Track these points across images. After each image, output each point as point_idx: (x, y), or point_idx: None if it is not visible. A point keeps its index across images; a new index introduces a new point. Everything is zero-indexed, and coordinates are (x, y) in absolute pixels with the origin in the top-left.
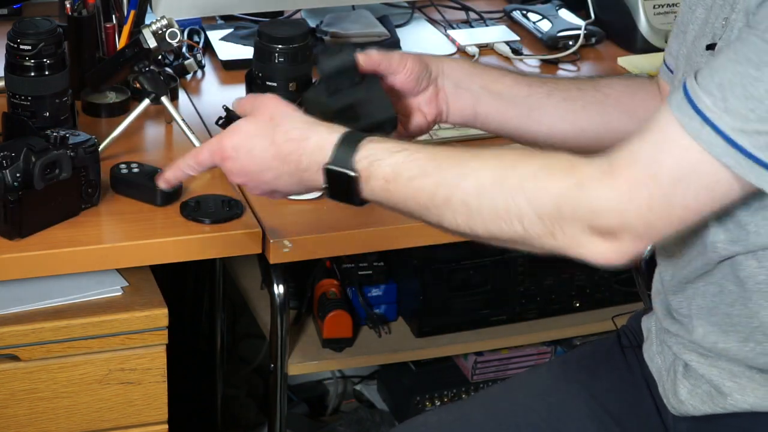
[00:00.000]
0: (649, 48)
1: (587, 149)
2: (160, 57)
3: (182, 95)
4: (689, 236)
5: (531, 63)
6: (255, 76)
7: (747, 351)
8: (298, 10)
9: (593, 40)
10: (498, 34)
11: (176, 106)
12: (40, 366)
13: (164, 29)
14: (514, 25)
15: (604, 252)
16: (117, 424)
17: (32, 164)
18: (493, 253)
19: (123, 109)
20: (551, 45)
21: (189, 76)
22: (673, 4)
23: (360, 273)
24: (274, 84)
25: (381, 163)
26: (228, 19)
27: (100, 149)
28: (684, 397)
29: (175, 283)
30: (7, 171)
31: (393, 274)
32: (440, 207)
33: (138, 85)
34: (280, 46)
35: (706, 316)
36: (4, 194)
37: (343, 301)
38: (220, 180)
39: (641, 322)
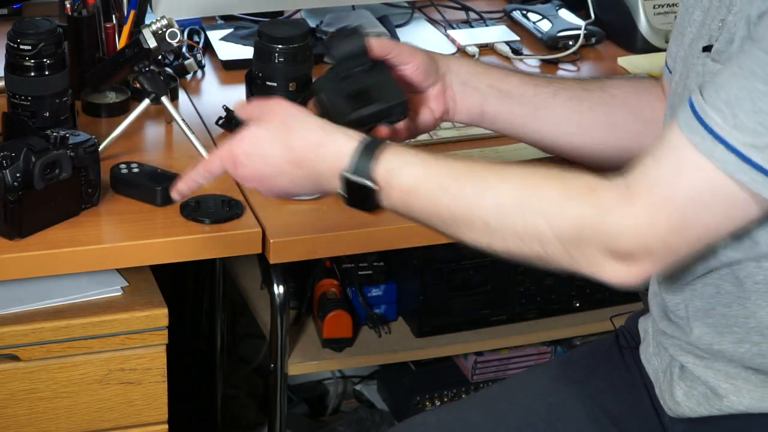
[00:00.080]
0: (649, 48)
1: (592, 149)
2: (160, 57)
3: (182, 95)
4: None
5: (531, 63)
6: (255, 76)
7: (743, 352)
8: (298, 10)
9: (593, 40)
10: (498, 34)
11: (176, 106)
12: (40, 366)
13: (164, 29)
14: (514, 25)
15: (622, 274)
16: (117, 424)
17: (32, 164)
18: None
19: (123, 109)
20: (551, 45)
21: (189, 76)
22: (673, 4)
23: (360, 273)
24: (274, 84)
25: (401, 175)
26: (228, 19)
27: (100, 149)
28: (680, 399)
29: (175, 283)
30: (7, 171)
31: (393, 274)
32: (459, 223)
33: (138, 85)
34: (280, 46)
35: (702, 317)
36: (4, 194)
37: (343, 301)
38: (220, 180)
39: (638, 324)
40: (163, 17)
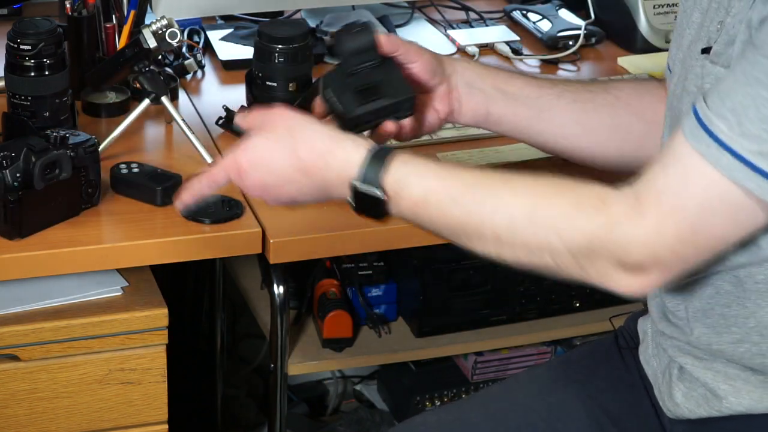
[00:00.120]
0: (649, 48)
1: (596, 150)
2: (160, 57)
3: (182, 95)
4: None
5: (531, 63)
6: (255, 76)
7: (742, 352)
8: (298, 10)
9: (593, 40)
10: (498, 34)
11: (176, 106)
12: (40, 366)
13: (164, 29)
14: (514, 25)
15: (632, 285)
16: (117, 424)
17: (32, 164)
18: None
19: (123, 109)
20: (551, 45)
21: (189, 76)
22: (673, 4)
23: (360, 273)
24: (274, 84)
25: (410, 185)
26: (228, 19)
27: (100, 149)
28: (679, 401)
29: (175, 283)
30: (7, 171)
31: (393, 274)
32: (469, 234)
33: (138, 85)
34: (280, 46)
35: (701, 317)
36: (4, 194)
37: (343, 301)
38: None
39: (638, 324)
40: (163, 17)
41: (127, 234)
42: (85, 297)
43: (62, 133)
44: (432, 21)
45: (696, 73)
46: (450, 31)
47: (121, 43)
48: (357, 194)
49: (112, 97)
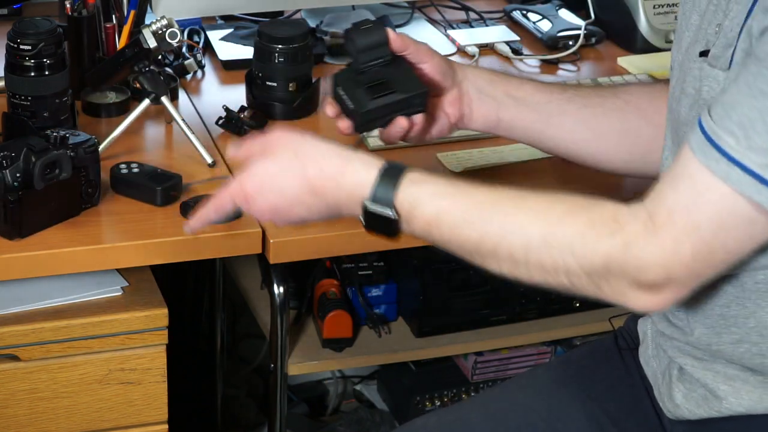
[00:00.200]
0: (649, 48)
1: (606, 154)
2: (160, 57)
3: (182, 95)
4: None
5: (531, 63)
6: (255, 76)
7: (742, 352)
8: (298, 10)
9: (593, 40)
10: (498, 34)
11: (176, 106)
12: (40, 366)
13: (164, 29)
14: (514, 25)
15: (649, 302)
16: (117, 424)
17: (32, 164)
18: None
19: (123, 109)
20: (551, 45)
21: (189, 76)
22: (673, 4)
23: (360, 273)
24: (274, 84)
25: (423, 206)
26: (228, 19)
27: (100, 149)
28: (679, 401)
29: (175, 283)
30: (7, 171)
31: (393, 274)
32: (484, 255)
33: (138, 85)
34: (280, 46)
35: (701, 318)
36: (4, 194)
37: (343, 301)
38: (220, 180)
39: (638, 325)
40: (163, 17)
41: (127, 234)
42: (85, 297)
43: (62, 133)
44: (432, 21)
45: (694, 75)
46: (450, 31)
47: (121, 43)
48: (368, 214)
49: (112, 97)
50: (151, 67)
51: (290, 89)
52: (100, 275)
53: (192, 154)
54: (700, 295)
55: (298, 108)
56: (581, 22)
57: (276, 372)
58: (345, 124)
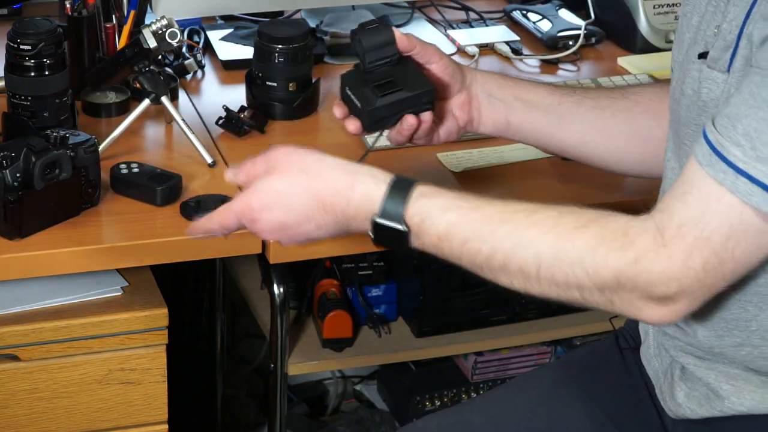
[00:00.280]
0: (649, 48)
1: (616, 156)
2: (160, 57)
3: (182, 95)
4: None
5: (531, 63)
6: (255, 76)
7: (744, 354)
8: (298, 10)
9: (593, 40)
10: (498, 34)
11: (176, 106)
12: (40, 366)
13: (164, 29)
14: (514, 25)
15: (661, 315)
16: (117, 424)
17: (32, 164)
18: None
19: (123, 109)
20: (551, 45)
21: (189, 76)
22: (673, 4)
23: (360, 273)
24: (274, 84)
25: (433, 220)
26: (228, 19)
27: (100, 149)
28: (681, 400)
29: (175, 283)
30: (7, 171)
31: (393, 274)
32: (495, 269)
33: (138, 85)
34: (280, 46)
35: (703, 321)
36: (4, 194)
37: (343, 301)
38: (220, 180)
39: (639, 324)
40: (163, 17)
41: (127, 234)
42: (85, 297)
43: (62, 133)
44: (432, 21)
45: (693, 77)
46: (450, 31)
47: (121, 43)
48: (378, 228)
49: (112, 97)
50: (151, 67)
51: (290, 89)
52: (100, 275)
53: (192, 154)
54: None
55: (298, 108)
56: (581, 22)
57: (276, 372)
58: (354, 125)
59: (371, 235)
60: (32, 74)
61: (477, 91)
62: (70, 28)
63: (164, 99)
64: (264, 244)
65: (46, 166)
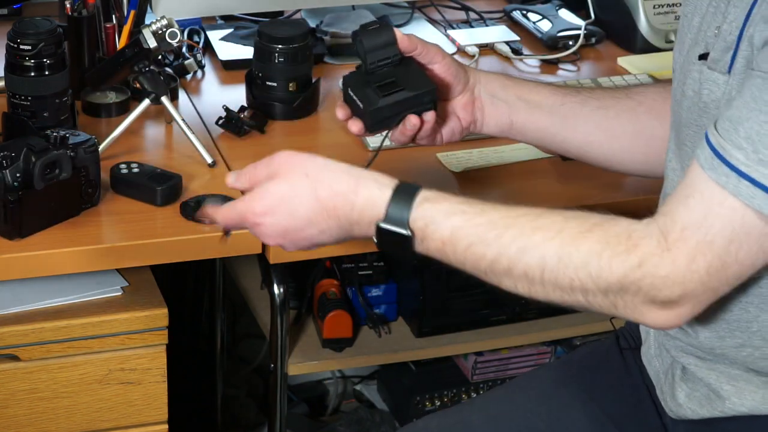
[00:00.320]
0: (649, 48)
1: (620, 156)
2: (160, 57)
3: (182, 95)
4: None
5: (531, 63)
6: (255, 76)
7: (745, 356)
8: (298, 10)
9: (593, 40)
10: (498, 34)
11: (176, 106)
12: (40, 366)
13: (164, 29)
14: (514, 25)
15: (665, 318)
16: (117, 424)
17: (32, 164)
18: None
19: (123, 109)
20: (551, 45)
21: (189, 76)
22: (673, 4)
23: (360, 273)
24: (274, 84)
25: (438, 225)
26: (228, 19)
27: (100, 149)
28: (682, 401)
29: (175, 283)
30: (7, 171)
31: (393, 274)
32: (499, 274)
33: (138, 85)
34: (280, 46)
35: (704, 322)
36: (4, 194)
37: (343, 301)
38: (219, 180)
39: (639, 325)
40: (163, 17)
41: (127, 234)
42: (85, 297)
43: (62, 133)
44: (432, 21)
45: (694, 78)
46: (450, 31)
47: (121, 43)
48: (382, 233)
49: (112, 97)
50: (151, 67)
51: (290, 89)
52: (100, 275)
53: (192, 154)
54: None
55: (298, 108)
56: (581, 22)
57: (276, 372)
58: (357, 126)
59: (375, 240)
60: (32, 74)
61: (480, 91)
62: (70, 28)
63: (164, 99)
64: (264, 244)
65: (46, 166)
